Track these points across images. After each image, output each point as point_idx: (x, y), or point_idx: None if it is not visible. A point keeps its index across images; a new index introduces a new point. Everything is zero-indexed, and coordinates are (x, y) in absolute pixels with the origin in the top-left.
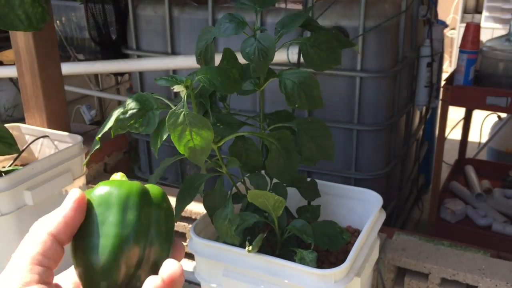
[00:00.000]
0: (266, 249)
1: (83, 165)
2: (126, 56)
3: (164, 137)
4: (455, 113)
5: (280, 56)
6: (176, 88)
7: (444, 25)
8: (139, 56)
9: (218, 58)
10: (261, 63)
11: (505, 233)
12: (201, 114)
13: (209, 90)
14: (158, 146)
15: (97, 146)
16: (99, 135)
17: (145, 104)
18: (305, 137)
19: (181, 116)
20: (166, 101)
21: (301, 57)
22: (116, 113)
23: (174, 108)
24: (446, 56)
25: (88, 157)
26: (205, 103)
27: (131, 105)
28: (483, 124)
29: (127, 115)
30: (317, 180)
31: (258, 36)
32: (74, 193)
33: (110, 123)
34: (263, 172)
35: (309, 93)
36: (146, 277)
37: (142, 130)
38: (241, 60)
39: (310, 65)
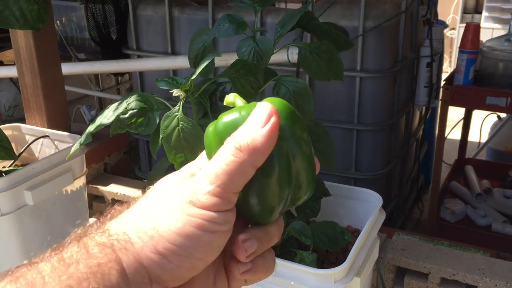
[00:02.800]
0: None
1: (71, 153)
2: (126, 56)
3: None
4: (455, 113)
5: (280, 56)
6: (175, 92)
7: (444, 25)
8: (139, 56)
9: (221, 58)
10: (255, 65)
11: (504, 233)
12: (200, 115)
13: (209, 90)
14: (158, 148)
15: (89, 141)
16: (92, 130)
17: (146, 105)
18: None
19: (174, 121)
20: (166, 103)
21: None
22: (112, 108)
23: (172, 108)
24: (446, 56)
25: (72, 151)
26: (205, 104)
27: (132, 104)
28: (483, 124)
29: (127, 115)
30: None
31: (258, 38)
32: (268, 111)
33: (105, 120)
34: None
35: (301, 104)
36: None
37: (141, 131)
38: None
39: (307, 71)
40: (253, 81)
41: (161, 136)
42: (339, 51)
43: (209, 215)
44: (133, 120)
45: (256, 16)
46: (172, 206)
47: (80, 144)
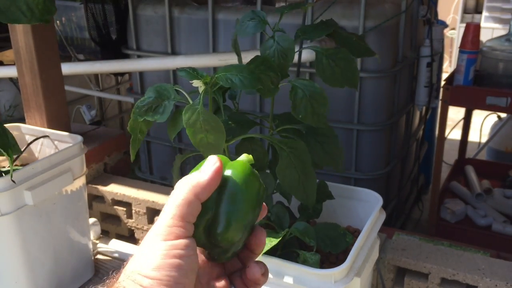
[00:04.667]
0: (268, 249)
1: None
2: (126, 56)
3: (180, 127)
4: (455, 113)
5: None
6: (195, 83)
7: (444, 25)
8: (139, 56)
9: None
10: (282, 64)
11: (505, 233)
12: (213, 111)
13: (224, 87)
14: (175, 135)
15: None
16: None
17: (163, 94)
18: (312, 140)
19: (195, 114)
20: (185, 94)
21: (306, 60)
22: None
23: (191, 102)
24: (446, 56)
25: (135, 154)
26: (218, 100)
27: (149, 93)
28: (483, 124)
29: (144, 103)
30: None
31: (277, 37)
32: (214, 160)
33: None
34: (268, 171)
35: (317, 109)
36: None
37: (157, 118)
38: (247, 59)
39: (321, 76)
40: (273, 76)
41: (186, 129)
42: (359, 57)
43: (171, 244)
44: (149, 108)
45: (280, 18)
46: (146, 247)
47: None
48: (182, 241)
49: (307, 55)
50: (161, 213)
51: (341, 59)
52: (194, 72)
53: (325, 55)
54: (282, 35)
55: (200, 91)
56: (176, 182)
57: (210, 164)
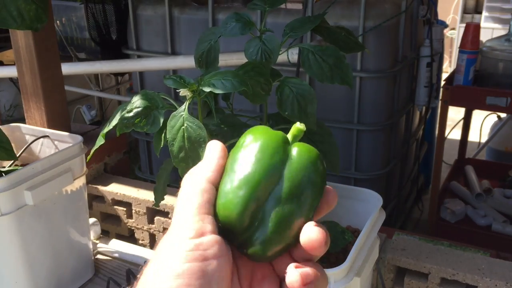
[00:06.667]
0: None
1: (87, 160)
2: (126, 56)
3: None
4: (455, 113)
5: (281, 56)
6: (182, 92)
7: (444, 25)
8: (139, 56)
9: (221, 58)
10: (263, 64)
11: (504, 233)
12: (205, 114)
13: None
14: (161, 146)
15: (101, 142)
16: (104, 132)
17: (151, 103)
18: (305, 139)
19: (180, 121)
20: (172, 101)
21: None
22: (121, 109)
23: (178, 108)
24: (446, 56)
25: (91, 154)
26: (210, 103)
27: (137, 103)
28: (483, 124)
29: (132, 114)
30: None
31: (264, 37)
32: (215, 144)
33: (115, 121)
34: None
35: (303, 106)
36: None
37: (147, 129)
38: (244, 60)
39: (308, 71)
40: (263, 83)
41: (167, 137)
42: (349, 53)
43: (195, 244)
44: (138, 119)
45: (264, 17)
46: (163, 250)
47: (95, 148)
48: (209, 238)
49: None
50: (175, 212)
51: (330, 55)
52: (181, 80)
53: (311, 51)
54: (270, 35)
55: (188, 99)
56: (161, 191)
57: (213, 147)
